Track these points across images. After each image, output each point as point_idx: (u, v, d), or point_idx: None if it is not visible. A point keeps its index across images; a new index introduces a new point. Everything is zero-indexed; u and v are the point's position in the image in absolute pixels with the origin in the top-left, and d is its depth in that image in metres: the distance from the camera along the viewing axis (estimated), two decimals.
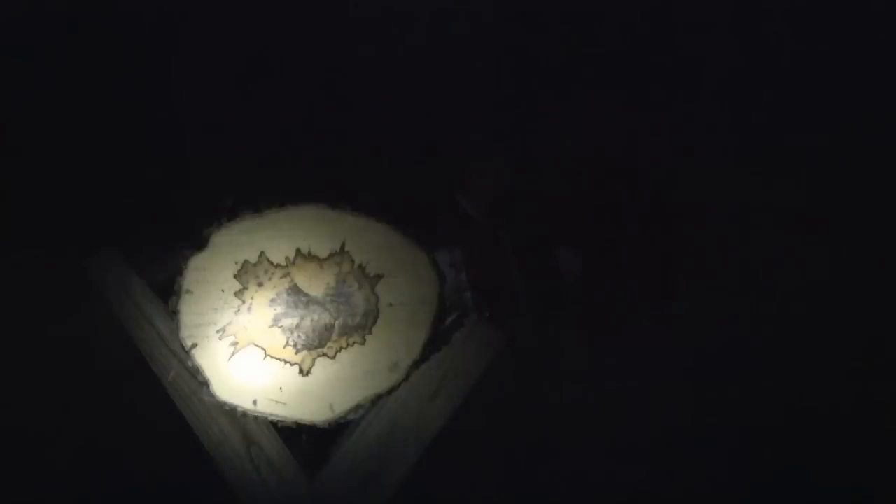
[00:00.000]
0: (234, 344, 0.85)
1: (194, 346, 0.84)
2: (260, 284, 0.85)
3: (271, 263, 0.85)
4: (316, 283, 0.86)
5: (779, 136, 1.14)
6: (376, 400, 0.89)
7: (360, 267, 0.87)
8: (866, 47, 1.12)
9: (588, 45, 1.16)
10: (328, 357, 0.87)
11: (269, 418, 0.87)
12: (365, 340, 0.87)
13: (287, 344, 0.86)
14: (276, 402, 0.86)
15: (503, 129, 1.16)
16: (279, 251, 0.85)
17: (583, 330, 1.11)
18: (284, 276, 0.86)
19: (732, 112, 1.15)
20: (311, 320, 0.86)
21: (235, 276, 0.85)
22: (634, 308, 1.13)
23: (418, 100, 1.16)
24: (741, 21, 1.14)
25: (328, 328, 0.87)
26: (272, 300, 0.86)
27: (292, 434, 0.90)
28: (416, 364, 0.89)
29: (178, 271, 0.84)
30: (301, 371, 0.86)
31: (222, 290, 0.85)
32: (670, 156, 1.16)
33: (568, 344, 1.12)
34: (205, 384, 0.85)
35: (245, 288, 0.85)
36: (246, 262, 0.85)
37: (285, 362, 0.86)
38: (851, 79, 1.13)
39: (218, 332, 0.85)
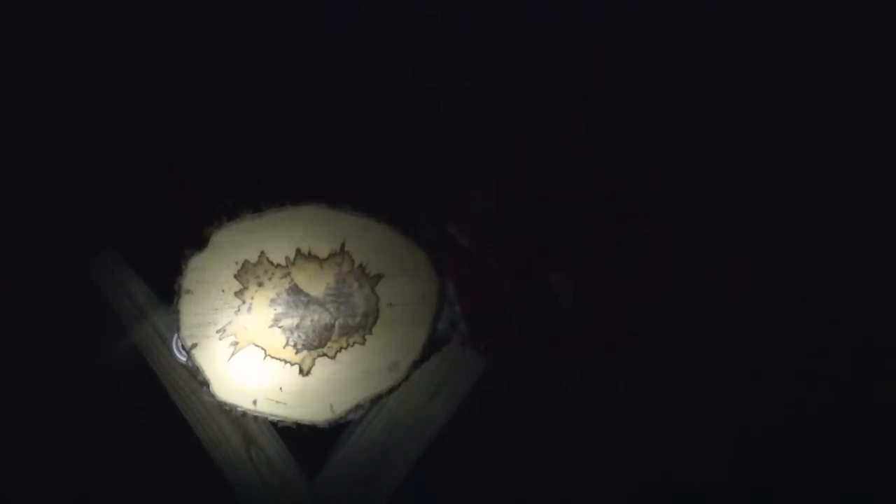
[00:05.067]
0: (234, 344, 0.85)
1: (194, 346, 0.84)
2: (260, 284, 0.85)
3: (271, 263, 0.85)
4: (316, 283, 0.86)
5: (770, 150, 1.14)
6: (376, 400, 0.89)
7: (360, 267, 0.87)
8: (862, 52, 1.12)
9: (580, 65, 1.16)
10: (328, 357, 0.87)
11: (269, 418, 0.87)
12: (365, 340, 0.87)
13: (287, 344, 0.86)
14: (276, 402, 0.86)
15: (492, 150, 1.16)
16: (279, 251, 0.85)
17: (577, 351, 1.11)
18: (284, 276, 0.86)
19: (725, 128, 1.15)
20: (311, 320, 0.86)
21: (235, 276, 0.85)
22: (628, 322, 1.13)
23: (415, 101, 1.16)
24: (736, 44, 1.14)
25: (328, 328, 0.87)
26: (272, 300, 0.86)
27: (292, 434, 0.90)
28: (416, 364, 0.89)
29: (178, 271, 0.84)
30: (301, 371, 0.86)
31: (222, 290, 0.85)
32: (660, 173, 1.16)
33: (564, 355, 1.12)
34: (205, 384, 0.85)
35: (245, 288, 0.85)
36: (246, 262, 0.85)
37: (285, 362, 0.86)
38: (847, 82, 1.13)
39: (218, 332, 0.85)
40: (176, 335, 0.86)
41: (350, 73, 1.16)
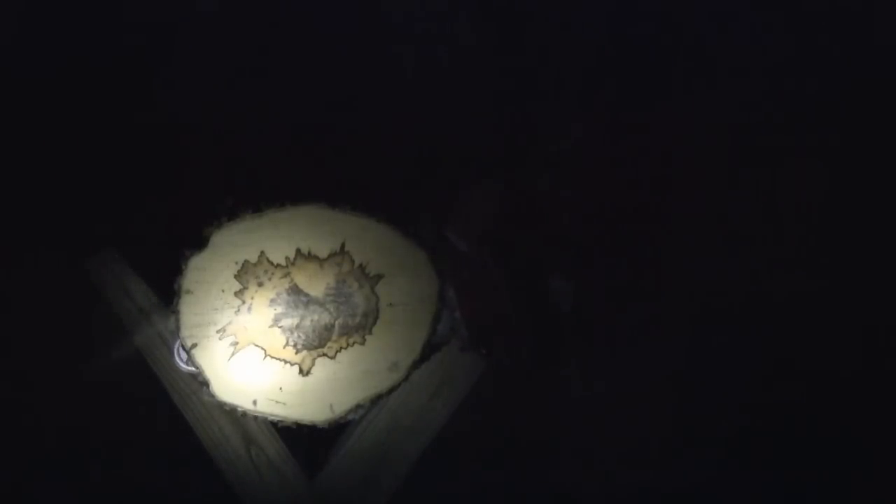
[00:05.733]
0: (234, 344, 0.85)
1: (194, 346, 0.84)
2: (260, 284, 0.85)
3: (271, 263, 0.85)
4: (316, 283, 0.86)
5: (770, 150, 1.14)
6: (376, 400, 0.89)
7: (360, 267, 0.87)
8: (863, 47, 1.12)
9: (580, 67, 1.16)
10: (328, 357, 0.87)
11: (269, 418, 0.87)
12: (365, 340, 0.87)
13: (287, 344, 0.86)
14: (276, 402, 0.86)
15: (493, 153, 1.16)
16: (279, 251, 0.85)
17: (577, 353, 1.11)
18: (284, 276, 0.86)
19: (727, 128, 1.15)
20: (311, 320, 0.86)
21: (235, 276, 0.85)
22: (628, 322, 1.13)
23: (415, 103, 1.16)
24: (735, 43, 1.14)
25: (328, 328, 0.87)
26: (272, 300, 0.86)
27: (292, 434, 0.90)
28: (416, 364, 0.89)
29: (179, 271, 0.84)
30: (301, 371, 0.86)
31: (222, 290, 0.85)
32: (660, 172, 1.15)
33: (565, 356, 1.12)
34: (205, 384, 0.85)
35: (245, 288, 0.85)
36: (246, 262, 0.85)
37: (285, 362, 0.86)
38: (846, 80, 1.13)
39: (218, 332, 0.85)
40: (177, 341, 0.86)
41: (350, 74, 1.16)
